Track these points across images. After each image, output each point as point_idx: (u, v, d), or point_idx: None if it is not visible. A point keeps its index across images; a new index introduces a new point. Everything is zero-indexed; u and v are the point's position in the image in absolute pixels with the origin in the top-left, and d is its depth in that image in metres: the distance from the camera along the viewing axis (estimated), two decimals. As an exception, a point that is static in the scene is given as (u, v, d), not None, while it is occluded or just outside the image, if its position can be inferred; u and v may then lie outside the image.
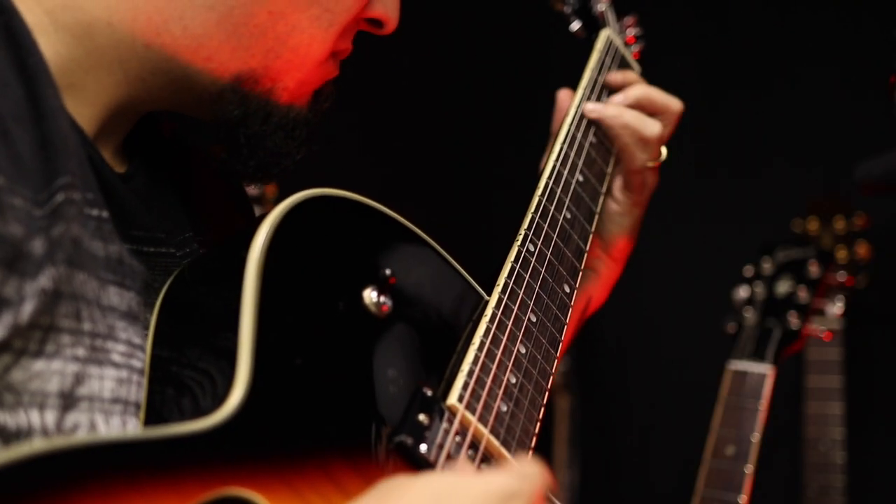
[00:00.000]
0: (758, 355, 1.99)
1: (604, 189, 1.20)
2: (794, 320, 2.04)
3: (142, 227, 0.89)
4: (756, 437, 1.87)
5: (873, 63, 1.71)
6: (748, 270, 2.15)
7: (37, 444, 0.64)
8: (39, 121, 0.75)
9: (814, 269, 2.09)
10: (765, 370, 1.95)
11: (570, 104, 1.22)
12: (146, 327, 0.85)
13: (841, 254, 2.33)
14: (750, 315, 2.08)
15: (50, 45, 0.84)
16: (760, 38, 2.72)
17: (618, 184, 1.25)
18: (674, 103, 1.25)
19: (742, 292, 2.12)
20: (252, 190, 2.26)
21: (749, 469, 1.84)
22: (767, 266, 2.14)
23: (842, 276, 2.29)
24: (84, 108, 0.87)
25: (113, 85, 0.89)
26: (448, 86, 2.91)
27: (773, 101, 2.69)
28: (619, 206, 1.25)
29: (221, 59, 0.90)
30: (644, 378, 2.76)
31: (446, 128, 2.90)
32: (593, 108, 1.21)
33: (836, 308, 2.25)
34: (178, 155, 1.03)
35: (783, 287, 2.09)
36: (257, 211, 2.24)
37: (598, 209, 1.17)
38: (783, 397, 2.17)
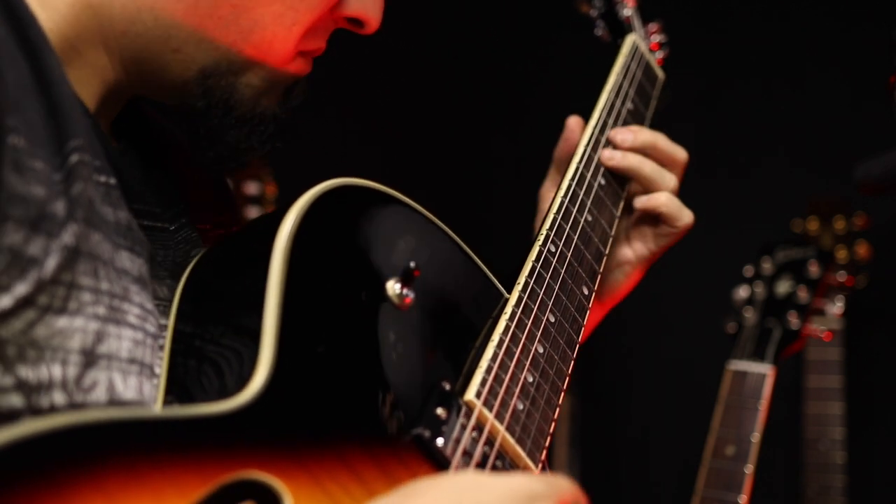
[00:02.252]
0: (758, 355, 2.00)
1: (624, 193, 1.20)
2: (794, 320, 2.04)
3: (139, 200, 0.91)
4: (756, 437, 1.88)
5: (873, 63, 1.71)
6: (748, 270, 2.15)
7: (61, 418, 0.64)
8: (46, 89, 0.77)
9: (814, 269, 2.10)
10: (765, 370, 1.96)
11: (596, 106, 1.21)
12: (155, 296, 0.86)
13: (841, 254, 2.33)
14: (750, 315, 2.08)
15: (44, 23, 0.85)
16: (761, 38, 2.73)
17: (637, 233, 1.23)
18: (679, 153, 1.24)
19: (742, 292, 2.12)
20: (251, 189, 2.26)
21: (749, 469, 1.85)
22: (767, 266, 2.14)
23: (842, 276, 2.29)
24: (80, 85, 0.89)
25: (103, 66, 0.91)
26: (456, 84, 2.91)
27: (773, 102, 2.69)
28: (633, 255, 1.23)
29: (188, 50, 0.92)
30: (644, 378, 2.76)
31: (454, 126, 2.90)
32: (611, 157, 1.18)
33: (836, 308, 2.26)
34: (162, 138, 1.04)
35: (783, 287, 2.10)
36: (257, 211, 2.24)
37: (619, 213, 1.17)
38: (783, 397, 2.18)
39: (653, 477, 2.73)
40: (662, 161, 1.21)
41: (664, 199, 1.19)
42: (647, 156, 1.20)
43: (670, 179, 1.20)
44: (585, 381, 2.70)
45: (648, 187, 1.19)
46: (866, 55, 2.32)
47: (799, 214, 2.40)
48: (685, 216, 1.20)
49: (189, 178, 1.04)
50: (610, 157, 1.18)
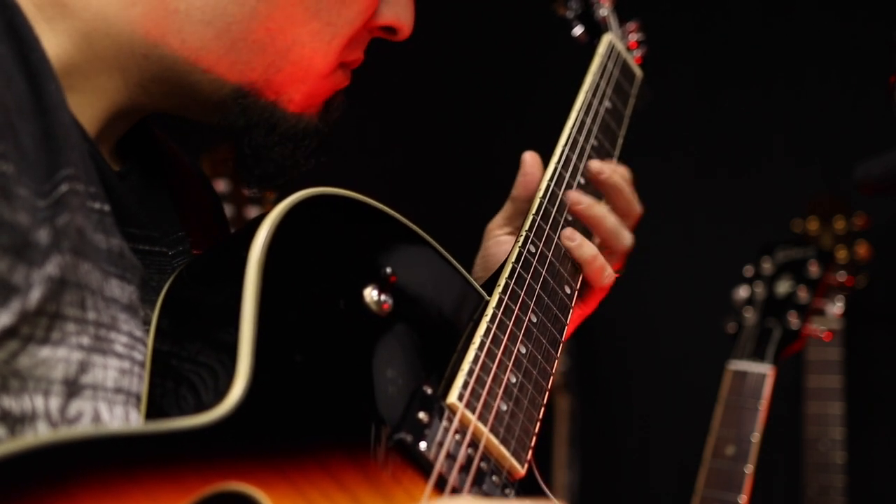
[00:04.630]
0: (758, 355, 2.00)
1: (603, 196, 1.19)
2: (794, 320, 2.04)
3: (137, 225, 0.90)
4: (756, 437, 1.88)
5: (873, 63, 1.71)
6: (748, 270, 2.15)
7: (40, 436, 0.64)
8: (42, 114, 0.76)
9: (814, 269, 2.10)
10: (765, 370, 1.96)
11: (573, 107, 1.21)
12: (146, 322, 0.85)
13: (841, 254, 2.33)
14: (750, 315, 2.08)
15: (50, 47, 0.84)
16: (760, 37, 2.73)
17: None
18: (635, 209, 1.16)
19: (742, 292, 2.12)
20: (251, 189, 2.26)
21: (749, 469, 1.85)
22: (767, 266, 2.14)
23: (842, 276, 2.29)
24: (83, 108, 0.88)
25: (113, 89, 0.90)
26: (446, 86, 2.91)
27: (773, 101, 2.69)
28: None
29: (221, 70, 0.90)
30: (644, 378, 2.76)
31: (443, 128, 2.90)
32: (578, 201, 1.11)
33: (836, 308, 2.25)
34: (168, 160, 1.04)
35: (783, 287, 2.10)
36: (256, 211, 2.25)
37: None
38: (783, 397, 2.17)
39: (653, 477, 2.73)
40: (620, 209, 1.15)
41: (589, 254, 1.09)
42: (613, 198, 1.15)
43: (627, 238, 1.13)
44: (585, 381, 2.70)
45: (605, 241, 1.13)
46: (866, 55, 2.32)
47: (799, 214, 2.40)
48: (606, 278, 1.11)
49: (190, 202, 1.03)
50: (577, 200, 1.10)
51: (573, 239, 1.09)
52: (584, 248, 1.09)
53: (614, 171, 1.15)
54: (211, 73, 0.90)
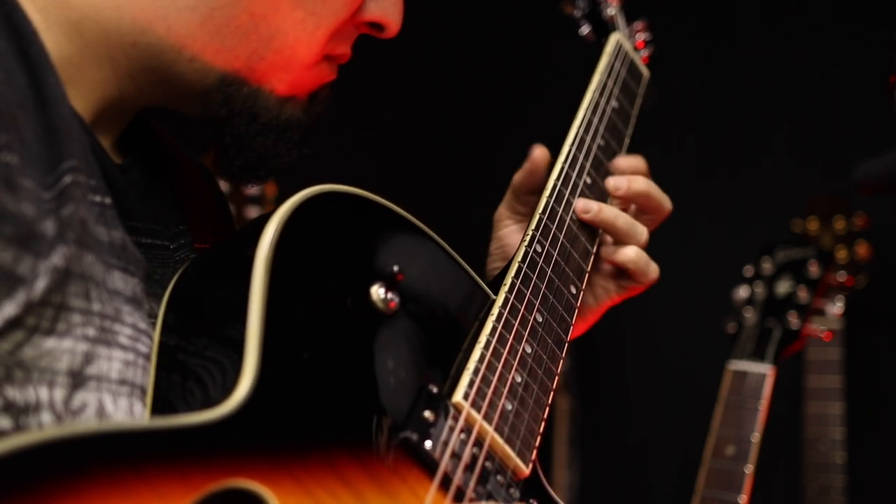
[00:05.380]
0: (758, 355, 2.00)
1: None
2: (794, 320, 2.04)
3: (138, 218, 0.90)
4: (756, 437, 1.88)
5: (873, 63, 1.71)
6: (748, 270, 2.15)
7: (47, 431, 0.64)
8: (43, 107, 0.76)
9: (814, 269, 2.10)
10: (765, 370, 1.96)
11: (580, 106, 1.21)
12: (150, 315, 0.85)
13: (841, 254, 2.33)
14: (750, 315, 2.08)
15: (46, 40, 0.84)
16: (761, 37, 2.73)
17: (600, 280, 1.17)
18: (665, 204, 1.18)
19: (742, 292, 2.12)
20: (252, 190, 2.25)
21: (749, 469, 1.85)
22: (767, 266, 2.14)
23: (842, 276, 2.29)
24: (78, 102, 0.88)
25: (103, 81, 0.90)
26: (452, 83, 2.91)
27: (773, 101, 2.69)
28: (594, 301, 1.18)
29: (205, 59, 0.91)
30: (644, 378, 2.76)
31: (449, 125, 2.90)
32: (586, 209, 1.12)
33: (836, 308, 2.25)
34: (169, 154, 1.04)
35: (783, 287, 2.10)
36: (257, 211, 2.24)
37: None
38: (783, 397, 2.18)
39: (653, 477, 2.73)
40: (648, 209, 1.17)
41: (633, 255, 1.13)
42: (636, 200, 1.16)
43: (642, 233, 1.14)
44: (585, 381, 2.70)
45: (620, 240, 1.14)
46: (866, 55, 2.32)
47: (799, 214, 2.40)
48: (651, 272, 1.15)
49: (192, 196, 1.04)
50: (585, 209, 1.11)
51: (609, 244, 1.13)
52: (625, 250, 1.13)
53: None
54: (196, 62, 0.91)
